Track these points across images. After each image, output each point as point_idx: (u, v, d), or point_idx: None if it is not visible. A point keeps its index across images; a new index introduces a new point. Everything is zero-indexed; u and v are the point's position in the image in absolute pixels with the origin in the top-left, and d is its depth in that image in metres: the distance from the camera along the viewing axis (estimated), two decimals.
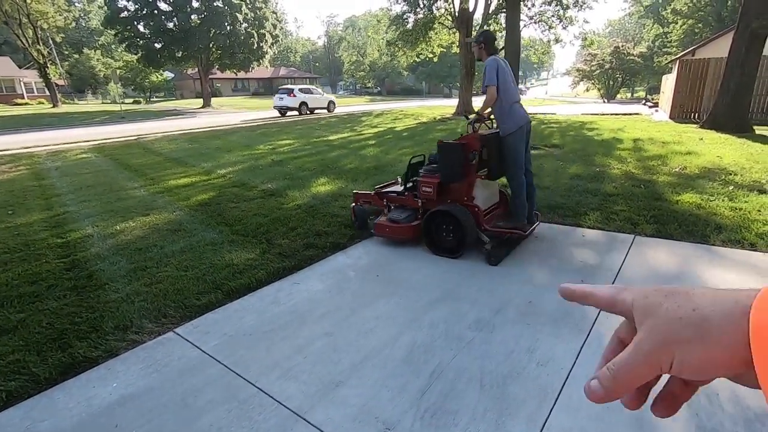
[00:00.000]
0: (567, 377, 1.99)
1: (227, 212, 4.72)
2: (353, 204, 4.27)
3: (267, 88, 54.80)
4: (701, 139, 8.91)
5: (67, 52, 49.53)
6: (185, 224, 4.35)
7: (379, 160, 7.85)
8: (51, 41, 38.42)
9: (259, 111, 28.29)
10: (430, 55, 22.35)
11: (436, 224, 3.45)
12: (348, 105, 32.90)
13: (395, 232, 3.67)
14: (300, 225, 4.21)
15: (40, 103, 38.94)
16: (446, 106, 26.16)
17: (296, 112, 21.88)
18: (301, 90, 22.18)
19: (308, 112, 22.35)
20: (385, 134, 12.54)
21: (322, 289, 2.98)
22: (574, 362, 2.10)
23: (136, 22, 30.57)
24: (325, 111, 23.82)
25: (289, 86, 22.56)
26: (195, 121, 20.65)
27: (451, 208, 3.33)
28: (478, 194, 3.48)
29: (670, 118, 14.36)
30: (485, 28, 18.28)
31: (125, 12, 29.90)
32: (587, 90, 48.39)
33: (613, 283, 2.88)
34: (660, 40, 40.98)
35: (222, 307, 2.75)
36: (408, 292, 2.88)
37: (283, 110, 21.77)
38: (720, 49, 15.56)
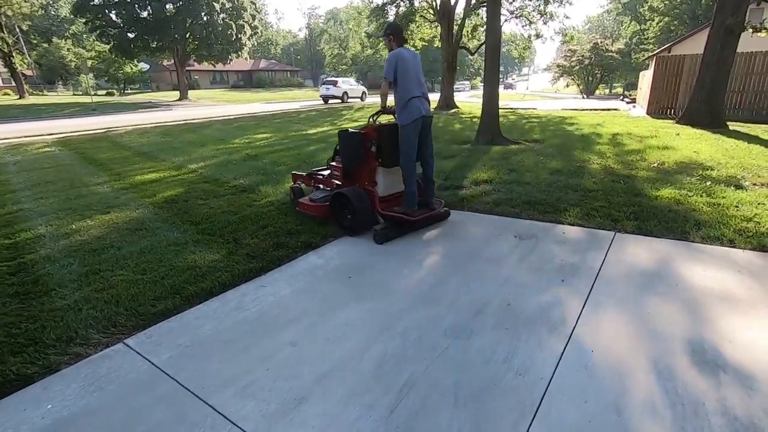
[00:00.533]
0: (547, 388, 1.87)
1: (195, 210, 4.47)
2: (292, 184, 4.73)
3: (247, 80, 53.66)
4: (678, 134, 8.99)
5: (35, 41, 47.30)
6: (148, 223, 4.09)
7: None
8: (17, 29, 36.68)
9: (238, 104, 27.64)
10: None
11: (340, 204, 3.79)
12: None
13: (311, 209, 4.10)
14: (271, 223, 3.99)
15: (5, 94, 37.21)
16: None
17: (339, 100, 25.90)
18: (343, 82, 27.23)
19: (347, 100, 26.40)
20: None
21: (290, 293, 2.79)
22: (554, 371, 1.97)
23: (107, 11, 29.41)
24: (359, 99, 27.60)
25: (333, 78, 27.91)
26: (170, 114, 20.00)
27: (349, 191, 3.70)
28: (380, 180, 3.81)
29: (647, 113, 14.55)
30: (394, 21, 18.19)
31: (96, 0, 28.71)
32: (567, 86, 48.98)
33: (593, 283, 2.80)
34: (637, 36, 41.71)
35: (179, 315, 2.54)
36: (382, 296, 2.72)
37: (327, 99, 25.70)
38: (696, 45, 15.83)
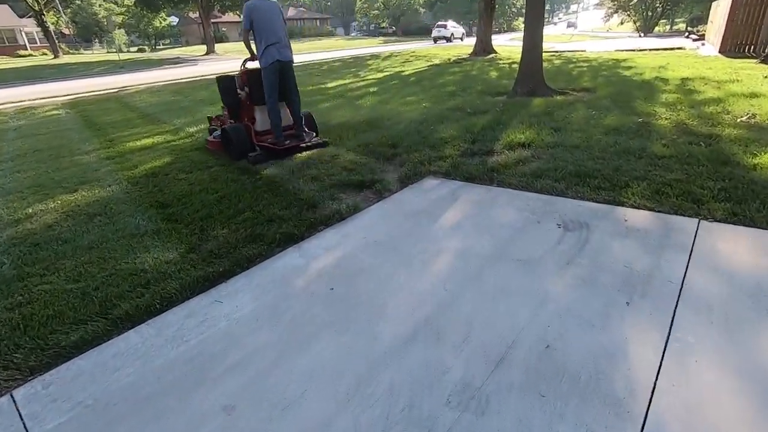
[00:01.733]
0: None
1: (172, 186, 3.82)
2: (209, 126, 5.29)
3: None
4: (766, 77, 7.36)
5: None
6: (111, 205, 3.49)
7: (374, 112, 6.70)
8: None
9: None
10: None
11: (226, 139, 4.59)
12: (357, 48, 30.66)
13: (211, 145, 4.96)
14: (251, 206, 3.28)
15: (43, 54, 37.72)
16: (464, 46, 23.91)
17: (446, 41, 31.11)
18: (451, 25, 33.27)
19: (452, 40, 31.63)
20: (390, 80, 11.17)
21: (249, 314, 2.11)
22: None
23: None
24: (460, 40, 32.53)
25: (443, 23, 33.68)
26: (193, 69, 19.37)
27: (229, 126, 4.55)
28: (258, 117, 4.62)
29: (720, 52, 12.41)
30: None
31: None
32: (621, 23, 44.04)
33: (675, 307, 1.92)
34: None
35: (98, 348, 1.92)
36: (367, 322, 1.98)
37: (438, 39, 31.17)
38: None
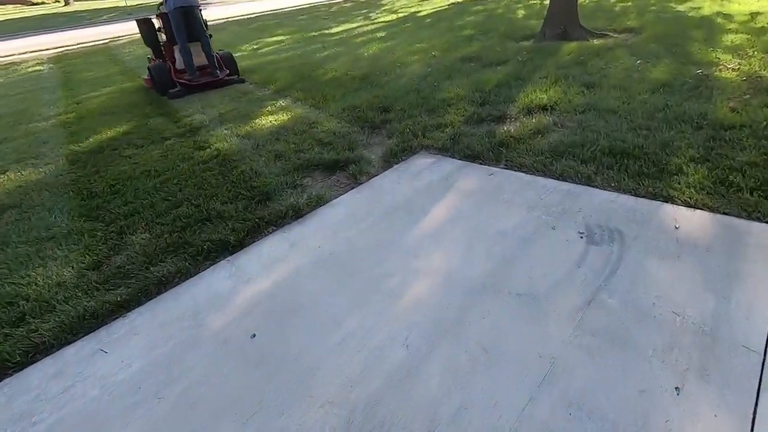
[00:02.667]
0: None
1: (111, 167, 3.21)
2: (149, 65, 5.46)
3: None
4: None
5: None
6: (33, 194, 2.92)
7: (374, 64, 5.77)
8: None
9: None
10: None
11: (151, 77, 5.22)
12: None
13: (146, 83, 5.55)
14: (191, 197, 2.64)
15: (56, 1, 36.71)
16: None
17: None
18: None
19: None
20: (402, 22, 9.92)
21: (132, 376, 1.54)
22: None
23: None
24: None
25: None
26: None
27: (152, 65, 5.23)
28: (177, 56, 5.16)
29: None
30: None
31: None
32: None
33: (756, 401, 1.23)
34: None
35: None
36: (283, 404, 1.38)
37: None
38: None
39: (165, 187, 2.79)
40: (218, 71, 5.27)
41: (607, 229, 2.02)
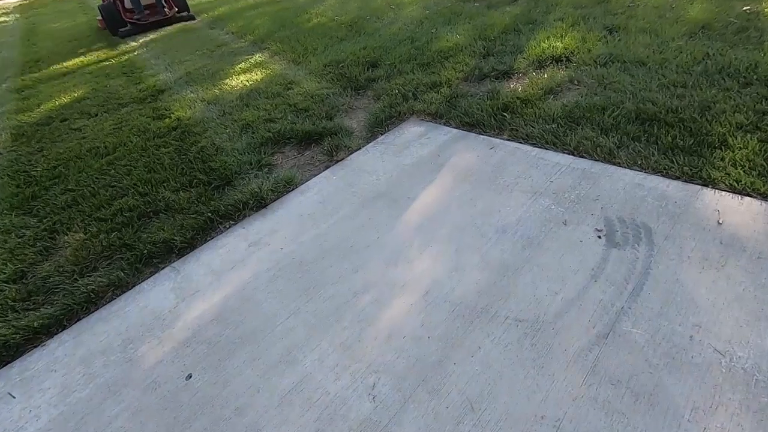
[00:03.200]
0: None
1: (58, 143, 2.82)
2: (99, 5, 5.48)
3: None
4: None
5: None
6: None
7: (365, 5, 5.08)
8: None
9: None
10: None
11: (102, 16, 5.43)
12: None
13: (100, 24, 5.74)
14: (140, 181, 2.27)
15: None
16: None
17: None
18: None
19: None
20: None
21: None
22: None
23: None
24: None
25: None
26: None
27: (102, 5, 5.48)
28: None
29: None
30: None
31: None
32: None
33: None
34: None
35: None
36: None
37: None
38: None
39: (112, 170, 2.41)
40: (166, 9, 5.47)
41: (632, 225, 1.63)
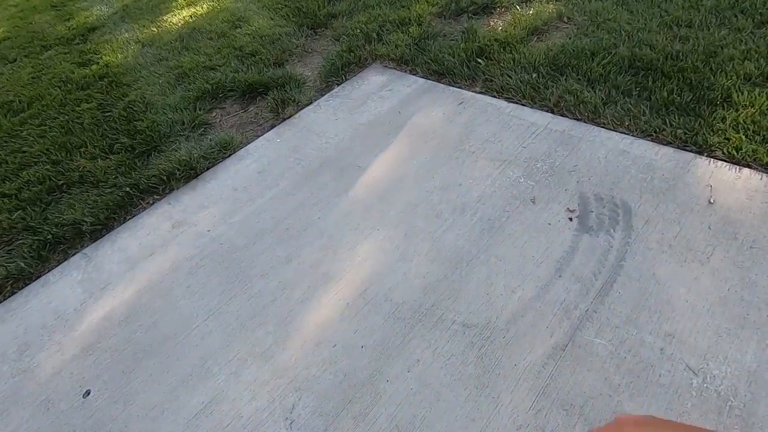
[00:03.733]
0: None
1: None
2: None
3: None
4: None
5: None
6: None
7: None
8: None
9: None
10: None
11: None
12: None
13: None
14: (54, 145, 1.96)
15: None
16: None
17: None
18: None
19: None
20: None
21: None
22: None
23: None
24: None
25: None
26: None
27: None
28: None
29: None
30: None
31: None
32: None
33: None
34: None
35: None
36: None
37: None
38: None
39: (23, 131, 2.08)
40: None
41: (610, 204, 1.40)
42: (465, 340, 1.13)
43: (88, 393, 1.17)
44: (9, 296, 1.45)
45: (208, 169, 1.80)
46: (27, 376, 1.24)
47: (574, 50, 2.03)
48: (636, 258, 1.24)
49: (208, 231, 1.56)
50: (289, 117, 2.02)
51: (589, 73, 1.90)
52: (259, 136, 1.95)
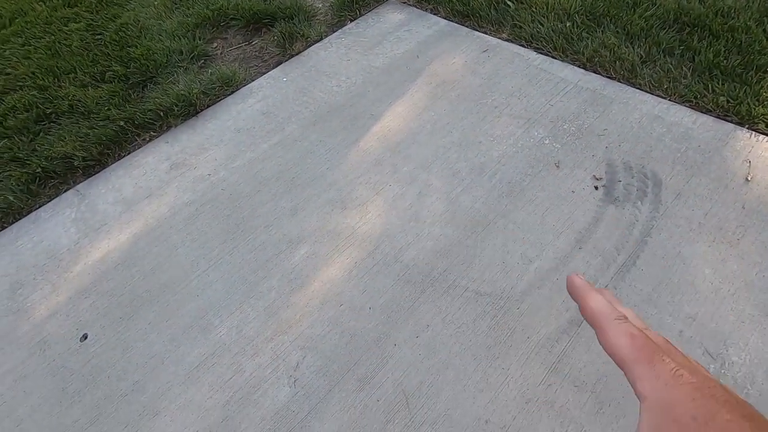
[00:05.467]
0: None
1: None
2: None
3: None
4: None
5: None
6: None
7: None
8: None
9: None
10: None
11: None
12: None
13: None
14: (39, 69, 1.79)
15: None
16: None
17: None
18: None
19: None
20: None
21: None
22: None
23: None
24: None
25: None
26: None
27: None
28: None
29: None
30: None
31: None
32: None
33: None
34: None
35: None
36: None
37: None
38: None
39: (6, 50, 1.91)
40: None
41: (639, 175, 1.31)
42: (477, 309, 1.09)
43: (85, 337, 1.14)
44: (1, 229, 1.37)
45: (208, 106, 1.67)
46: (21, 316, 1.19)
47: None
48: (662, 234, 1.18)
49: (209, 175, 1.46)
50: (297, 54, 1.86)
51: (629, 26, 1.73)
52: (263, 74, 1.79)
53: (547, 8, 1.86)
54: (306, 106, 1.64)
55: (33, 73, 1.77)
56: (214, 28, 1.97)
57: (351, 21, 2.00)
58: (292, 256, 1.24)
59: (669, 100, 1.50)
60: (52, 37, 1.93)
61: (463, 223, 1.25)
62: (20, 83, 1.74)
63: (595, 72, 1.62)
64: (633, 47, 1.66)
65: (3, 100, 1.68)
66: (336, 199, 1.36)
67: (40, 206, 1.43)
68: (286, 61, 1.84)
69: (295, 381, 1.03)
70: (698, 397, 0.19)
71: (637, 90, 1.55)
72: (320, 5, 2.09)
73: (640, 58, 1.62)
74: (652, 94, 1.53)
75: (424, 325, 1.08)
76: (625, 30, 1.73)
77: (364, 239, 1.25)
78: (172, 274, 1.24)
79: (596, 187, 1.31)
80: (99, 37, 1.93)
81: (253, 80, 1.77)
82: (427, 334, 1.07)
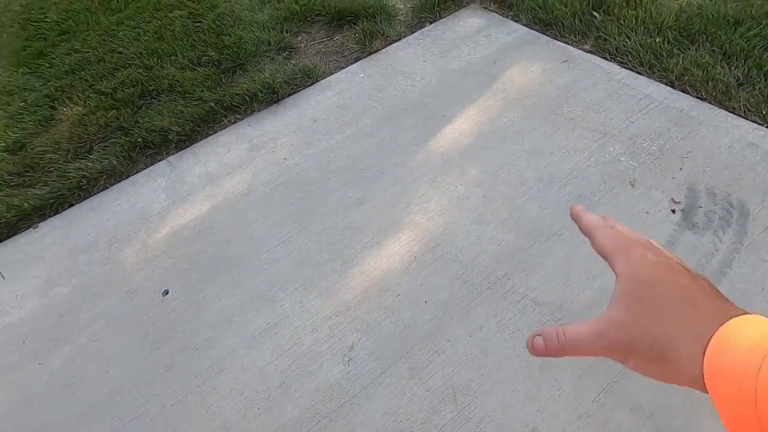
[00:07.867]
0: None
1: None
2: None
3: None
4: None
5: None
6: None
7: None
8: None
9: None
10: None
11: None
12: None
13: None
14: (146, 51, 1.99)
15: None
16: None
17: None
18: None
19: None
20: None
21: (20, 322, 1.27)
22: None
23: None
24: None
25: None
26: None
27: None
28: None
29: None
30: None
31: None
32: None
33: None
34: None
35: None
36: None
37: None
38: None
39: (120, 32, 2.13)
40: None
41: (724, 202, 1.24)
42: (534, 317, 1.09)
43: (167, 292, 1.26)
44: (102, 190, 1.55)
45: (289, 95, 1.78)
46: (115, 266, 1.35)
47: (713, 15, 1.73)
48: (744, 268, 1.11)
49: (285, 159, 1.56)
50: (375, 51, 1.92)
51: (727, 45, 1.63)
52: (342, 68, 1.87)
53: (637, 21, 1.79)
54: (380, 102, 1.70)
55: (140, 53, 1.97)
56: (300, 23, 2.09)
57: (430, 23, 2.03)
58: (355, 244, 1.30)
59: (766, 126, 1.40)
60: (159, 22, 2.14)
61: (526, 231, 1.25)
62: (129, 62, 1.95)
63: (683, 91, 1.55)
64: (729, 68, 1.56)
65: (115, 76, 1.89)
66: (401, 194, 1.40)
67: (137, 172, 1.59)
68: (364, 57, 1.91)
69: (349, 360, 1.08)
70: (656, 268, 0.26)
71: (730, 114, 1.46)
72: (401, 6, 2.15)
73: (737, 80, 1.52)
74: (747, 119, 1.43)
75: (478, 326, 1.10)
76: (722, 49, 1.63)
77: (426, 236, 1.29)
78: (244, 247, 1.34)
79: (673, 211, 1.25)
80: (198, 24, 2.11)
81: (332, 74, 1.85)
82: (481, 335, 1.08)
